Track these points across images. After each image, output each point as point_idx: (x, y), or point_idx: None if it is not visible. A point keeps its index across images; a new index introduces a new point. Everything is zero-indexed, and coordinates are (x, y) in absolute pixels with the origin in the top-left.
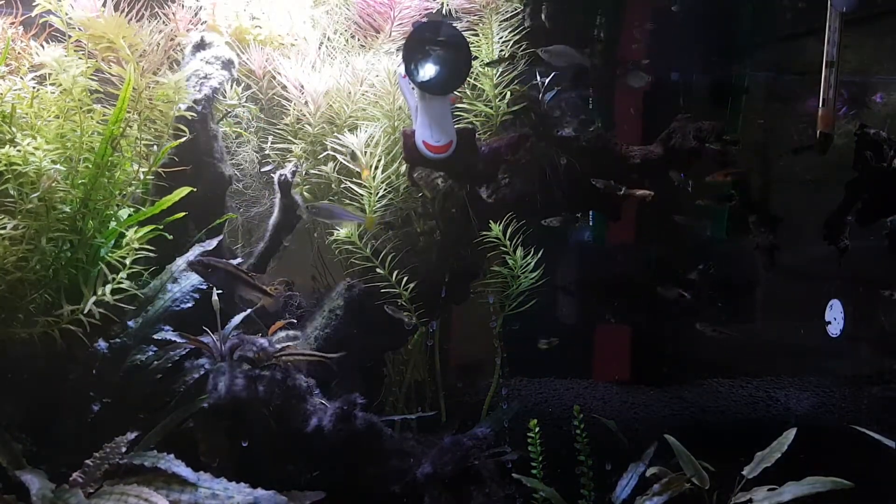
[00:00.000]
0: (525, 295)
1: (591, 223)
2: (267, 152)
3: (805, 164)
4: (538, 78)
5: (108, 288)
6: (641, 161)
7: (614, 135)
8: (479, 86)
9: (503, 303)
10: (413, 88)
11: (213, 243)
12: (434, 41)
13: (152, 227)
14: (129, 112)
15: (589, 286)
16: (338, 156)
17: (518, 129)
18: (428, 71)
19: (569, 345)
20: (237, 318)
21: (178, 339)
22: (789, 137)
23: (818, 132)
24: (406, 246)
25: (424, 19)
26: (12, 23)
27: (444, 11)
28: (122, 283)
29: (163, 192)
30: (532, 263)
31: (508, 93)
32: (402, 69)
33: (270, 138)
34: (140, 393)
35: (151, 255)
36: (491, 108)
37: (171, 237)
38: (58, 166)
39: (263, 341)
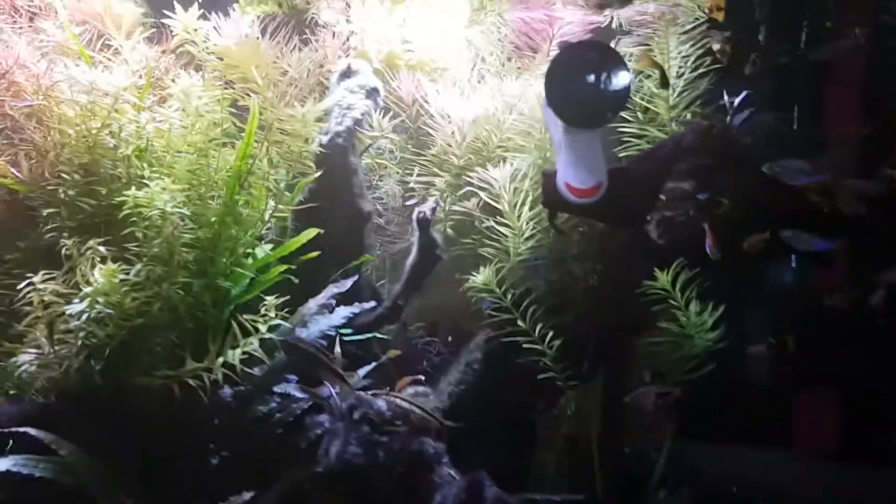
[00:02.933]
0: (700, 359)
1: (794, 265)
2: (411, 185)
3: None
4: (725, 97)
5: (238, 353)
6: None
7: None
8: (653, 108)
9: (671, 367)
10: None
11: (348, 284)
12: (584, 64)
13: (284, 267)
14: (261, 145)
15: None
16: (479, 192)
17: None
18: (575, 100)
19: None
20: (363, 371)
21: (297, 394)
22: None
23: None
24: (559, 292)
25: (586, 36)
26: (163, 51)
27: (612, 25)
28: (250, 345)
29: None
30: (710, 321)
31: (689, 115)
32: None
33: (416, 170)
34: (260, 447)
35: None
36: (667, 133)
37: (296, 280)
38: (183, 210)
39: (382, 404)
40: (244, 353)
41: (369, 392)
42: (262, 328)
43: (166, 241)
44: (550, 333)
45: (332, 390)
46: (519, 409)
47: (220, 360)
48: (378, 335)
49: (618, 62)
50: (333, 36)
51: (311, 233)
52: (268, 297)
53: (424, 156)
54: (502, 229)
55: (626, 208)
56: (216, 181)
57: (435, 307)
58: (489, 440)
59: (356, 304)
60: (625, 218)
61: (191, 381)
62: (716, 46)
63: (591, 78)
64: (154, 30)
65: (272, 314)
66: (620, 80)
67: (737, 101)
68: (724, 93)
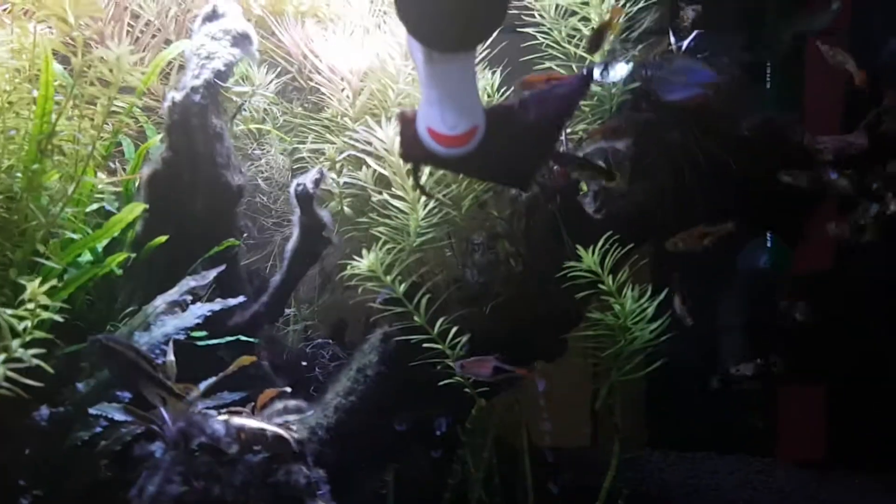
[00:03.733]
0: (645, 353)
1: (769, 245)
2: (303, 155)
3: None
4: (672, 40)
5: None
6: (835, 156)
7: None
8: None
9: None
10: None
11: (210, 275)
12: None
13: (122, 256)
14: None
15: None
16: (365, 157)
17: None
18: (434, 12)
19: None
20: (202, 386)
21: (118, 416)
22: None
23: None
24: (478, 278)
25: None
26: None
27: None
28: (13, 351)
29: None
30: (650, 309)
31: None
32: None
33: (311, 137)
34: (80, 484)
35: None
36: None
37: (119, 272)
38: None
39: (219, 427)
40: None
41: (222, 411)
42: (25, 325)
43: None
44: (454, 330)
45: (164, 411)
46: (424, 423)
47: None
48: (244, 338)
49: None
50: None
51: (137, 207)
52: (29, 284)
53: (316, 119)
54: (397, 203)
55: (511, 162)
56: (20, 146)
57: (342, 302)
58: (387, 463)
59: (218, 299)
60: (509, 174)
61: None
62: None
63: None
64: None
65: (33, 305)
66: None
67: (685, 43)
68: (671, 34)
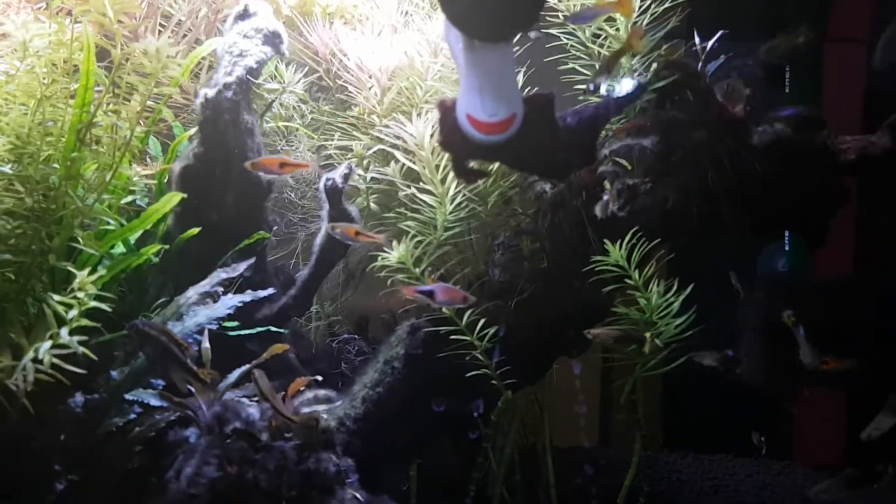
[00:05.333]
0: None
1: (786, 246)
2: (330, 152)
3: None
4: (697, 40)
5: (46, 346)
6: (858, 157)
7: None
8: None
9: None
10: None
11: (241, 268)
12: None
13: (156, 247)
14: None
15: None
16: (395, 152)
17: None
18: (475, 5)
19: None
20: (235, 374)
21: (154, 402)
22: None
23: None
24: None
25: None
26: None
27: None
28: (59, 338)
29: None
30: (676, 304)
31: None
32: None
33: (337, 134)
34: (114, 469)
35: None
36: None
37: (156, 260)
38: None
39: (254, 412)
40: (56, 346)
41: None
42: (73, 313)
43: None
44: (481, 322)
45: (198, 397)
46: (451, 415)
47: (29, 356)
48: (273, 329)
49: None
50: None
51: (173, 198)
52: (80, 272)
53: (343, 117)
54: (425, 197)
55: (551, 152)
56: (59, 137)
57: (368, 299)
58: (414, 454)
59: (248, 291)
60: (548, 166)
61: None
62: None
63: None
64: None
65: (83, 294)
66: None
67: (709, 44)
68: (695, 34)
